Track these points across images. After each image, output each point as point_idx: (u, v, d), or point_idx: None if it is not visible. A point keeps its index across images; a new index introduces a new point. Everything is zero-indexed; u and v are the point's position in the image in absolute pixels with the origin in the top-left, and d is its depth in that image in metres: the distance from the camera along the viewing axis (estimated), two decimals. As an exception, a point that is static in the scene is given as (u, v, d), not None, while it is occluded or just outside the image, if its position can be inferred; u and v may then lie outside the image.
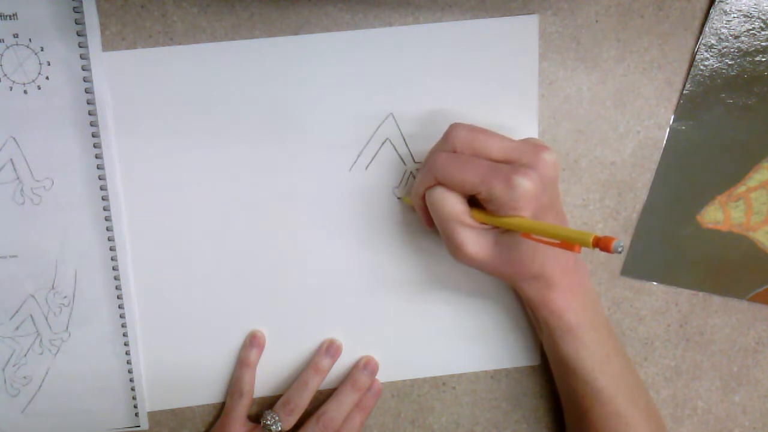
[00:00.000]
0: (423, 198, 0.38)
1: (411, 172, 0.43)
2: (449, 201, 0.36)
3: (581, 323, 0.39)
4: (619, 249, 0.28)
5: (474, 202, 0.37)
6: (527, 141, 0.37)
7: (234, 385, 0.45)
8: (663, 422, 0.43)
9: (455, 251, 0.38)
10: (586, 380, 0.40)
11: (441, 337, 0.46)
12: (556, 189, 0.38)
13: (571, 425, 0.44)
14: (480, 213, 0.37)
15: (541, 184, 0.35)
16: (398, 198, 0.43)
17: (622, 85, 0.43)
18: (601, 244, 0.29)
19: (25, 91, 0.40)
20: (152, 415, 0.46)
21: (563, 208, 0.40)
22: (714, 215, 0.45)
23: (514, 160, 0.35)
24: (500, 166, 0.35)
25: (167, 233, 0.42)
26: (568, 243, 0.31)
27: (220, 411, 0.46)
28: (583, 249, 0.31)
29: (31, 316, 0.43)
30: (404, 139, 0.42)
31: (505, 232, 0.37)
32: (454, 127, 0.37)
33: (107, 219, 0.42)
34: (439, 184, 0.37)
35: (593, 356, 0.40)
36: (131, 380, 0.44)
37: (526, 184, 0.34)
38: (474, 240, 0.37)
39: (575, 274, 0.39)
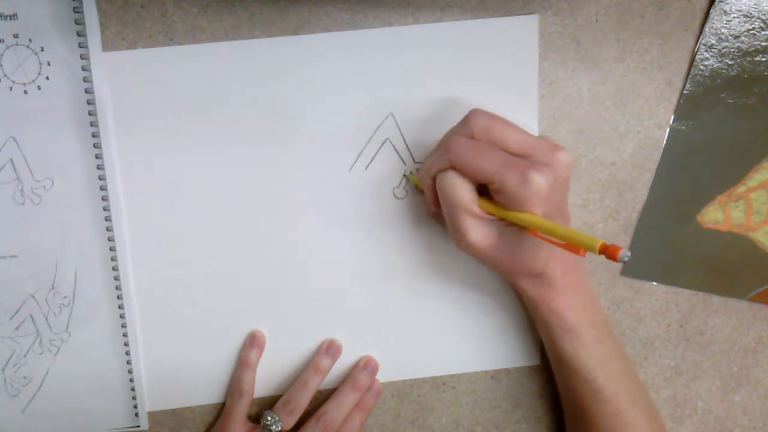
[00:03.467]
0: (433, 179, 0.38)
1: (411, 172, 0.43)
2: (459, 188, 0.36)
3: (581, 322, 0.39)
4: (626, 259, 0.28)
5: (482, 190, 0.37)
6: (544, 138, 0.37)
7: (234, 385, 0.45)
8: (663, 422, 0.43)
9: (458, 238, 0.38)
10: (585, 379, 0.40)
11: (441, 337, 0.46)
12: (567, 190, 0.37)
13: (571, 425, 0.44)
14: (488, 203, 0.36)
15: (555, 183, 0.34)
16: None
17: (622, 85, 0.43)
18: (608, 252, 0.29)
19: (25, 91, 0.39)
20: (152, 415, 0.46)
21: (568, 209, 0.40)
22: (714, 215, 0.45)
23: (530, 155, 0.35)
24: (516, 159, 0.35)
25: (167, 233, 0.42)
26: (573, 245, 0.31)
27: (220, 411, 0.46)
28: (583, 248, 0.31)
29: (31, 316, 0.43)
30: (404, 139, 0.42)
31: (509, 226, 0.37)
32: (474, 113, 0.37)
33: (107, 219, 0.42)
34: (452, 168, 0.36)
35: (593, 356, 0.40)
36: (131, 380, 0.44)
37: (540, 181, 0.34)
38: (478, 229, 0.37)
39: (576, 273, 0.39)
